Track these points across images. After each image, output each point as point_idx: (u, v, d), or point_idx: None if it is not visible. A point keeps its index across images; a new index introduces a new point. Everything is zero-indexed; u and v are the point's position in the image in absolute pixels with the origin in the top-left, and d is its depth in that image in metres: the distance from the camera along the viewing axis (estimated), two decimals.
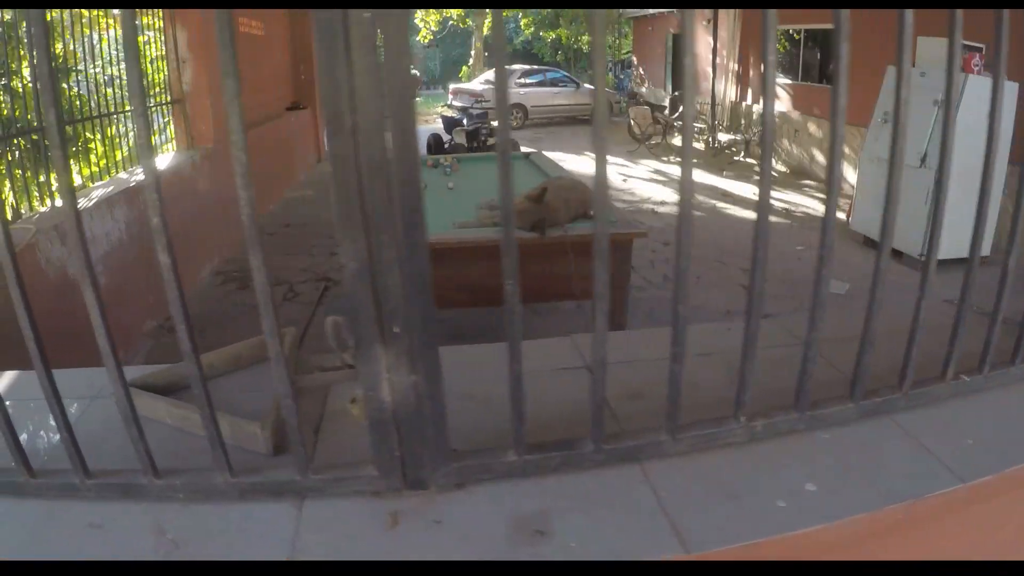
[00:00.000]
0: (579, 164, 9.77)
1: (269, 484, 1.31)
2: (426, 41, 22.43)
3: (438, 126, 16.16)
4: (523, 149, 11.53)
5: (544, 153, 6.70)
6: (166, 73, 6.13)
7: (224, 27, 1.02)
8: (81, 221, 1.12)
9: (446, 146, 10.94)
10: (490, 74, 19.39)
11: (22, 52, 4.48)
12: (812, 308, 1.43)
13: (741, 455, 1.42)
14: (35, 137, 4.34)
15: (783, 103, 12.90)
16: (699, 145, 14.78)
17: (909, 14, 1.20)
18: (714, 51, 15.00)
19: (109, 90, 5.36)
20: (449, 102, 18.56)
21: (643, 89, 18.93)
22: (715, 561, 1.21)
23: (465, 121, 11.22)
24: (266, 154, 8.32)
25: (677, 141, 15.06)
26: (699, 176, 11.69)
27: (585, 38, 26.06)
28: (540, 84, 18.72)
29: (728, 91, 14.91)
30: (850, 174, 10.72)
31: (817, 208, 9.84)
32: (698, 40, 16.07)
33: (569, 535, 1.23)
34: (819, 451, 1.44)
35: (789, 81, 12.74)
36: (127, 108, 5.50)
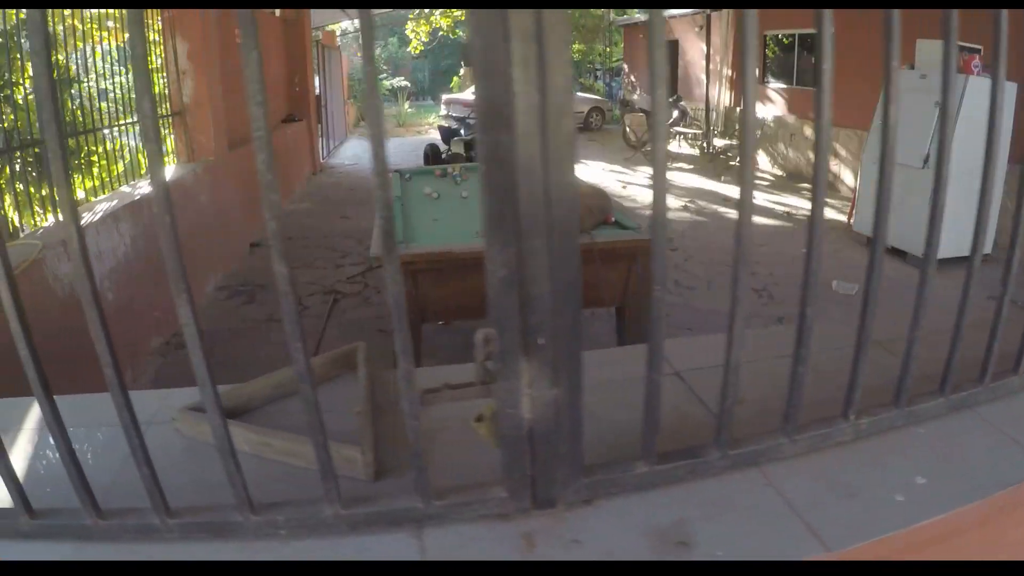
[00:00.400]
0: (577, 171, 9.70)
1: (387, 514, 1.20)
2: (417, 52, 22.35)
3: (433, 136, 16.12)
4: None
5: None
6: (163, 85, 6.02)
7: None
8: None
9: (443, 156, 10.87)
10: None
11: (23, 62, 4.38)
12: (916, 308, 1.41)
13: (849, 453, 1.43)
14: (37, 150, 4.24)
15: (778, 107, 12.92)
16: (695, 151, 14.79)
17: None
18: (707, 57, 15.02)
19: (103, 104, 5.25)
20: (442, 112, 18.50)
21: (635, 96, 18.90)
22: (855, 560, 1.22)
23: (463, 131, 11.14)
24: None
25: (672, 147, 15.06)
26: (698, 182, 11.69)
27: (576, 46, 26.05)
28: None
29: (722, 97, 14.93)
30: (848, 177, 10.75)
31: None
32: (691, 46, 16.10)
33: (712, 544, 1.21)
34: (918, 445, 1.47)
35: (784, 85, 12.77)
36: (122, 121, 5.40)
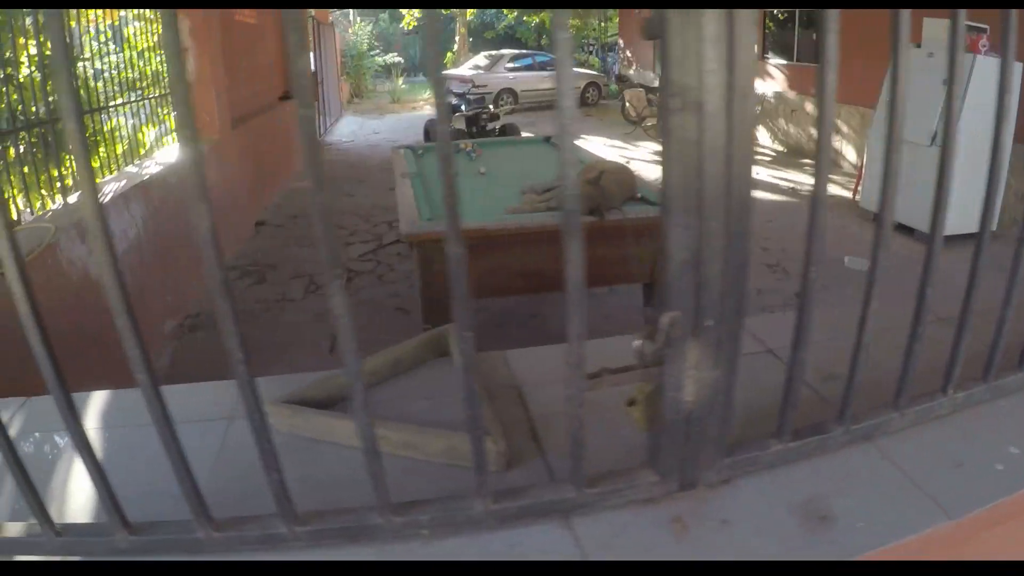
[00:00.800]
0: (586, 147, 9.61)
1: (537, 506, 1.16)
2: (410, 28, 22.09)
3: (431, 113, 15.93)
4: (524, 134, 11.39)
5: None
6: (158, 63, 5.87)
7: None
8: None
9: None
10: (478, 59, 19.18)
11: (22, 41, 4.25)
12: (1008, 287, 1.45)
13: (947, 426, 1.49)
14: (41, 130, 4.11)
15: (779, 83, 12.82)
16: None
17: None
18: None
19: (98, 84, 5.11)
20: None
21: (631, 72, 18.73)
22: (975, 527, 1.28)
23: (463, 107, 10.99)
24: (266, 145, 8.11)
25: None
26: None
27: (571, 22, 25.70)
28: (529, 68, 18.50)
29: None
30: (850, 153, 10.70)
31: None
32: None
33: (851, 517, 1.23)
34: (1005, 417, 1.52)
35: (784, 61, 12.66)
36: (118, 100, 5.27)
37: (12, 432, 1.53)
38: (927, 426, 1.46)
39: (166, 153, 5.45)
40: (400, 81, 23.57)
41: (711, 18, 0.91)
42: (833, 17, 1.04)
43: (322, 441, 1.39)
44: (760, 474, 1.30)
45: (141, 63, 5.74)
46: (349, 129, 14.88)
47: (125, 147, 5.21)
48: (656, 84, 16.06)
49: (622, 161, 11.02)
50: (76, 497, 1.31)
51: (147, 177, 4.67)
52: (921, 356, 1.37)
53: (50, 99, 4.07)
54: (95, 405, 1.65)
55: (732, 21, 0.92)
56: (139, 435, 1.38)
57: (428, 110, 17.79)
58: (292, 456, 1.37)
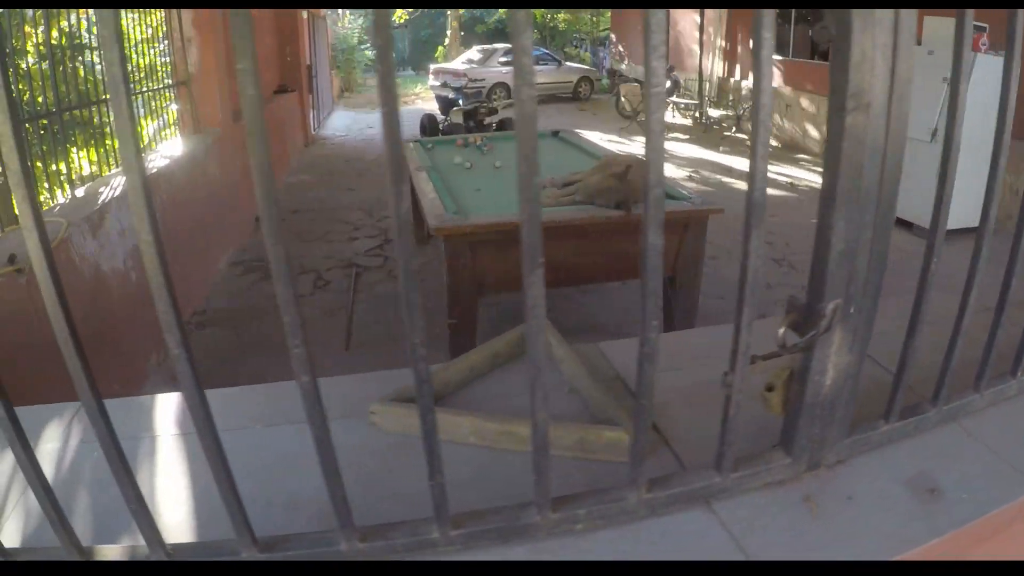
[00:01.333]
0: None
1: (685, 493, 1.22)
2: (402, 21, 21.97)
3: (421, 108, 15.84)
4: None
5: (575, 130, 6.45)
6: (156, 55, 5.74)
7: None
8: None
9: (441, 127, 10.67)
10: (471, 53, 19.07)
11: (28, 28, 4.15)
12: None
13: (1015, 406, 1.62)
14: (45, 122, 4.01)
15: (775, 79, 12.80)
16: (688, 121, 14.70)
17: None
18: (701, 28, 14.86)
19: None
20: (430, 83, 18.20)
21: (623, 66, 18.71)
22: None
23: (461, 101, 10.91)
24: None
25: (667, 117, 14.93)
26: (697, 152, 11.61)
27: (561, 16, 25.77)
28: None
29: (715, 67, 14.80)
30: None
31: (817, 181, 9.78)
32: (683, 17, 15.91)
33: (955, 489, 1.35)
34: None
35: (780, 57, 12.66)
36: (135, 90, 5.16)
37: (74, 440, 1.47)
38: (1000, 406, 1.60)
39: (169, 146, 5.35)
40: None
41: (883, 27, 1.00)
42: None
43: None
44: (870, 453, 1.41)
45: (134, 56, 5.63)
46: (342, 123, 14.76)
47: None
48: None
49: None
50: (167, 511, 1.26)
51: (155, 171, 4.57)
52: (966, 343, 1.47)
53: (59, 88, 3.96)
54: (159, 409, 1.59)
55: (898, 31, 1.01)
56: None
57: (420, 104, 17.68)
58: (404, 456, 1.33)
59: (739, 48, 14.02)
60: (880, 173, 1.08)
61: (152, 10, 5.58)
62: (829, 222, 1.09)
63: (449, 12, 23.15)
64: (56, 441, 1.48)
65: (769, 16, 0.93)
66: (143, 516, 0.92)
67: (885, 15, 1.00)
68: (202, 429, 0.91)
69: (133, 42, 5.64)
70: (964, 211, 4.12)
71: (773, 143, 12.70)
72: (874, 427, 1.40)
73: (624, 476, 1.17)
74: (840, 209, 1.08)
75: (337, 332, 4.44)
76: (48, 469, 1.33)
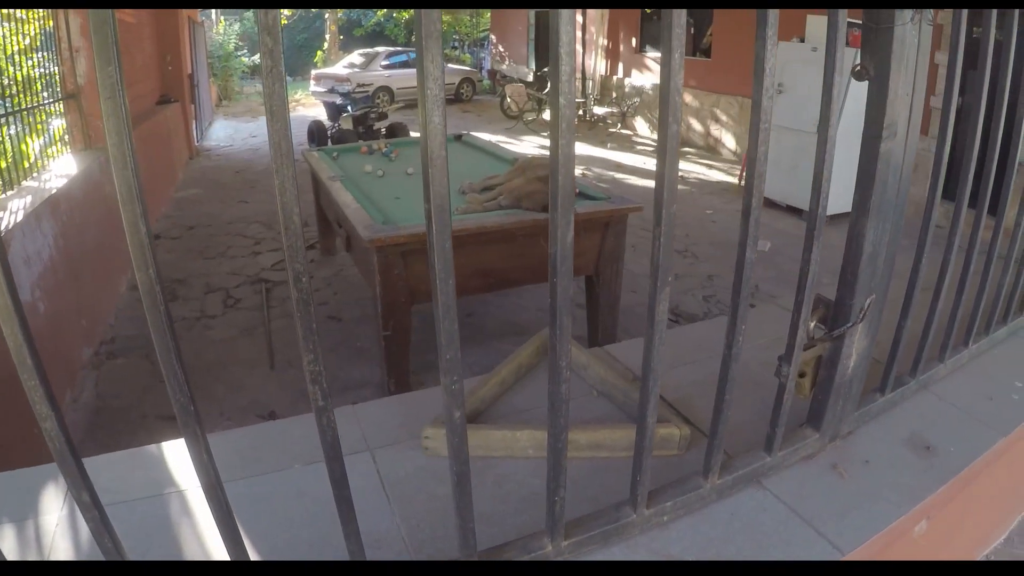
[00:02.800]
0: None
1: (745, 474, 1.42)
2: (283, 24, 21.42)
3: (310, 114, 15.54)
4: (414, 134, 11.27)
5: (473, 134, 6.51)
6: (34, 65, 5.44)
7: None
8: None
9: (329, 133, 10.52)
10: (353, 58, 18.83)
11: None
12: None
13: (966, 372, 2.04)
14: None
15: (657, 75, 13.25)
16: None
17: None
18: (583, 27, 15.19)
19: None
20: (312, 89, 17.87)
21: (504, 67, 18.89)
22: None
23: (350, 107, 10.76)
24: (151, 152, 7.70)
25: (548, 115, 15.18)
26: (586, 149, 11.86)
27: (443, 19, 25.56)
28: (404, 65, 18.32)
29: (598, 65, 15.16)
30: (729, 141, 11.23)
31: (706, 173, 10.21)
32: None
33: (944, 444, 1.68)
34: (1006, 360, 2.14)
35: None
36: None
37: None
38: (957, 372, 1.97)
39: (61, 165, 5.09)
40: None
41: (910, 72, 1.21)
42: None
43: (490, 457, 1.39)
44: (871, 422, 1.71)
45: (12, 68, 5.33)
46: (225, 133, 14.33)
47: (9, 161, 4.83)
48: (530, 79, 16.30)
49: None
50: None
51: (54, 191, 4.36)
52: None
53: None
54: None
55: (915, 80, 1.23)
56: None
57: (301, 111, 17.36)
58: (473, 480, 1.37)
59: (621, 47, 14.40)
60: (898, 188, 1.28)
61: (29, 19, 5.29)
62: (862, 230, 1.29)
63: (328, 15, 22.75)
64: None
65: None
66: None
67: (911, 61, 1.20)
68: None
69: (8, 53, 5.34)
70: (849, 196, 4.43)
71: (656, 138, 13.13)
72: (873, 400, 1.69)
73: (683, 467, 1.39)
74: (872, 219, 1.27)
75: (258, 351, 4.35)
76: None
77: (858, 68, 1.23)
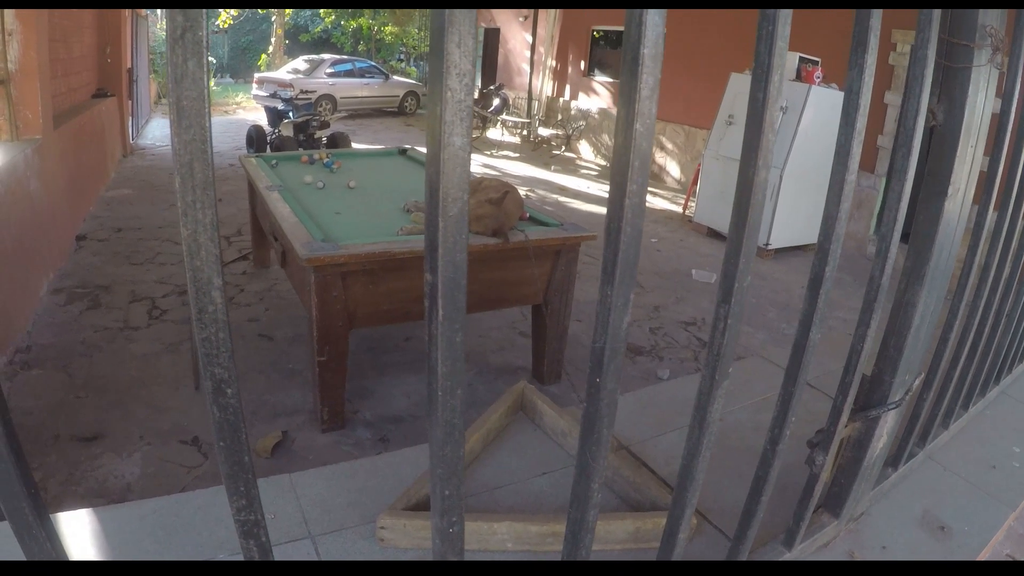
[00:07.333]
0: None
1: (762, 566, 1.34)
2: (227, 26, 20.95)
3: (245, 118, 15.17)
4: (356, 145, 11.08)
5: (419, 148, 6.37)
6: None
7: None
8: None
9: (269, 139, 10.25)
10: (297, 63, 18.48)
11: None
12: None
13: (963, 435, 1.99)
14: None
15: (603, 99, 13.33)
16: (516, 139, 14.97)
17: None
18: (532, 48, 15.20)
19: None
20: (254, 92, 17.46)
21: None
22: None
23: (292, 114, 10.49)
24: (83, 148, 7.35)
25: (495, 134, 15.15)
26: (529, 170, 11.83)
27: (388, 28, 25.50)
28: (349, 74, 18.04)
29: (545, 87, 15.18)
30: (673, 169, 11.32)
31: (651, 201, 10.24)
32: (514, 35, 16.22)
33: (958, 523, 1.61)
34: (1000, 422, 2.12)
35: (608, 79, 13.18)
36: None
37: None
38: (956, 436, 1.89)
39: None
40: (212, 83, 22.34)
41: (975, 130, 1.13)
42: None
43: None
44: (880, 501, 1.59)
45: None
46: (162, 132, 13.86)
47: None
48: (476, 95, 16.22)
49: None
50: None
51: None
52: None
53: None
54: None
55: (980, 134, 1.16)
56: None
57: (242, 114, 16.96)
58: None
59: (569, 68, 14.44)
60: (950, 253, 1.16)
61: None
62: (913, 299, 1.15)
63: (274, 18, 22.31)
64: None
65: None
66: None
67: (976, 120, 1.13)
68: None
69: None
70: (805, 230, 4.59)
71: (600, 162, 13.19)
72: (886, 476, 1.58)
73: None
74: (926, 287, 1.13)
75: (183, 369, 4.11)
76: None
77: (932, 124, 1.14)
